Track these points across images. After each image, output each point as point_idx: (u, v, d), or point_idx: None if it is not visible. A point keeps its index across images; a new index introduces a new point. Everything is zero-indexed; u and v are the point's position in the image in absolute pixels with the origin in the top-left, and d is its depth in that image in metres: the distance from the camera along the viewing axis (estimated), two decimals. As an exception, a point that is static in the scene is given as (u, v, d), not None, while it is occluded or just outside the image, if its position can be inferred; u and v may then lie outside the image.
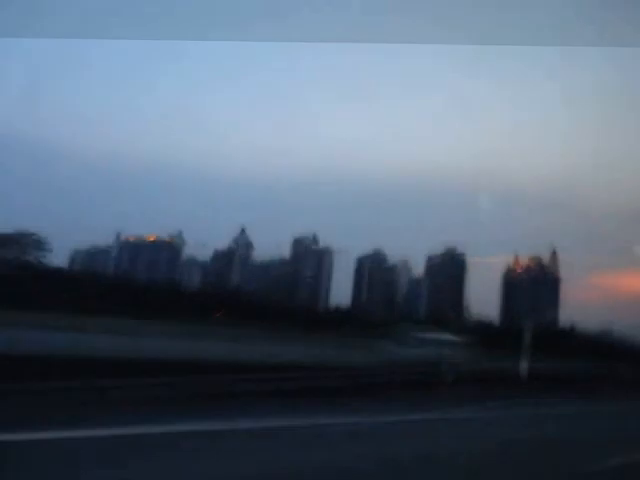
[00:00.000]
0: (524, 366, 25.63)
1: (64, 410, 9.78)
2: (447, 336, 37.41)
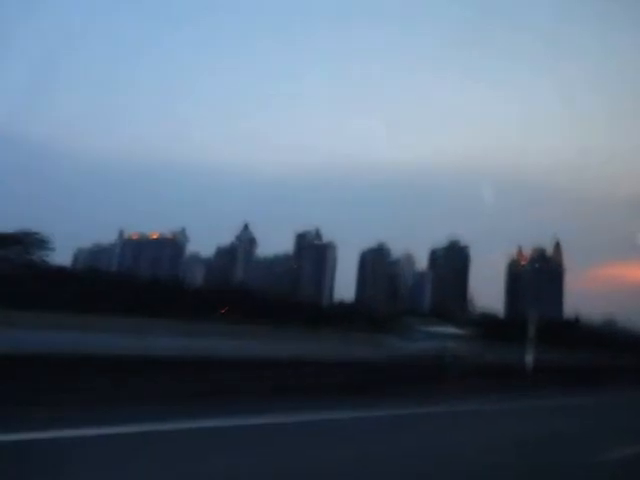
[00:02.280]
0: (529, 358, 25.58)
1: (72, 409, 9.76)
2: (451, 329, 37.43)
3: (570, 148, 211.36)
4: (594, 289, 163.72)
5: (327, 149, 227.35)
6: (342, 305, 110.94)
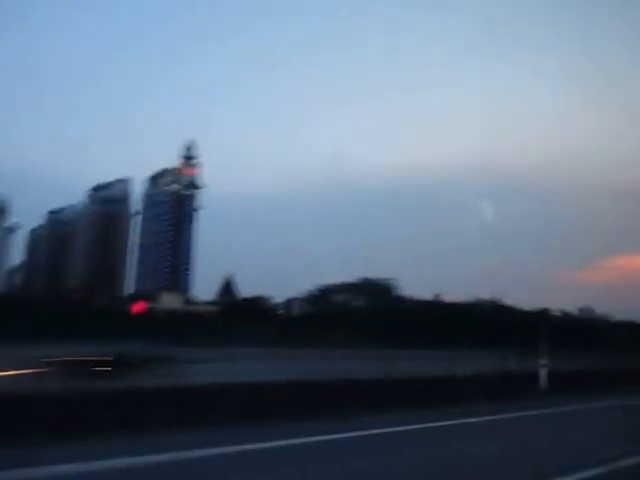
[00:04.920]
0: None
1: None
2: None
3: (570, 148, 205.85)
4: (587, 288, 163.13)
5: (319, 152, 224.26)
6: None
